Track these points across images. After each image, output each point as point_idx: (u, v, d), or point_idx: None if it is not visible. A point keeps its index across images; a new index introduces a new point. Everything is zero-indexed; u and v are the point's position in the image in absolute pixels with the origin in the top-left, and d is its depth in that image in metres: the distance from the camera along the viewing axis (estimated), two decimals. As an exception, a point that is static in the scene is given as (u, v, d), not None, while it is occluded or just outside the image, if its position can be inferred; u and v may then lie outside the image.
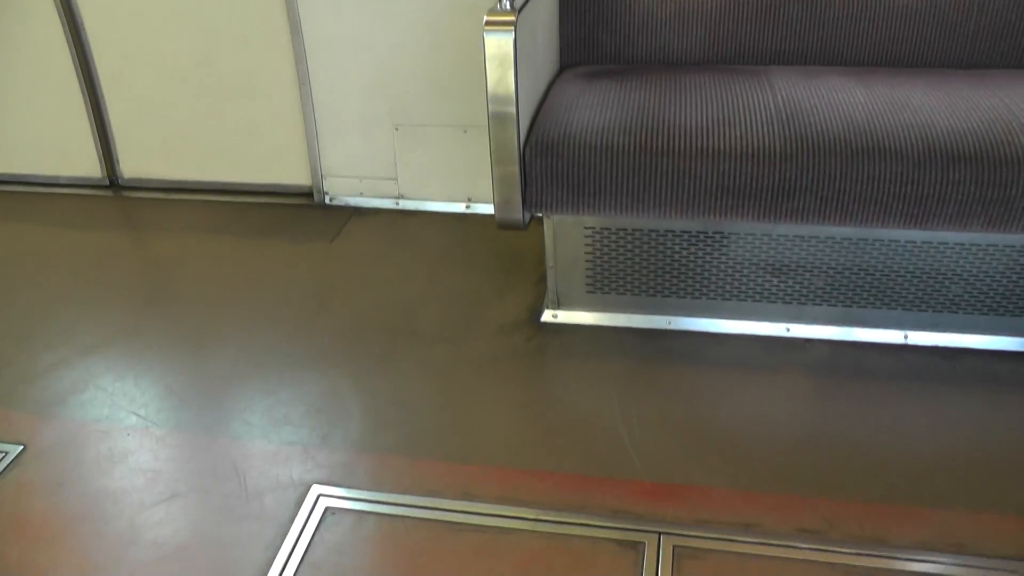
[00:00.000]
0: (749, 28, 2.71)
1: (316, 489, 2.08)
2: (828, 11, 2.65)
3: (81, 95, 3.55)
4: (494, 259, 2.99)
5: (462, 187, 3.30)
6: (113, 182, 3.73)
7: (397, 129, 3.25)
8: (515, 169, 2.27)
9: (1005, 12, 2.58)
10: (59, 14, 3.41)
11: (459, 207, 3.33)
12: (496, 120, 2.22)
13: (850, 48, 2.68)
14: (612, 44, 2.78)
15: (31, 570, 1.91)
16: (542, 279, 2.79)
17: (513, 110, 2.20)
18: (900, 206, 2.18)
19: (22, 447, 2.25)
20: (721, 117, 2.31)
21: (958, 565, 1.83)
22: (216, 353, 2.61)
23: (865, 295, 2.48)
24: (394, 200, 3.38)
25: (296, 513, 2.01)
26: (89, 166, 3.70)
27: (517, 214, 2.33)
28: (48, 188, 3.75)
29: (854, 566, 1.83)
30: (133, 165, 3.68)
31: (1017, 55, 2.62)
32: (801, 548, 1.87)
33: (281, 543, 1.93)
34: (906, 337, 2.50)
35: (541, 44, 2.53)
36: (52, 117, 3.63)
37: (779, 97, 2.40)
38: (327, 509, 2.02)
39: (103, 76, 3.52)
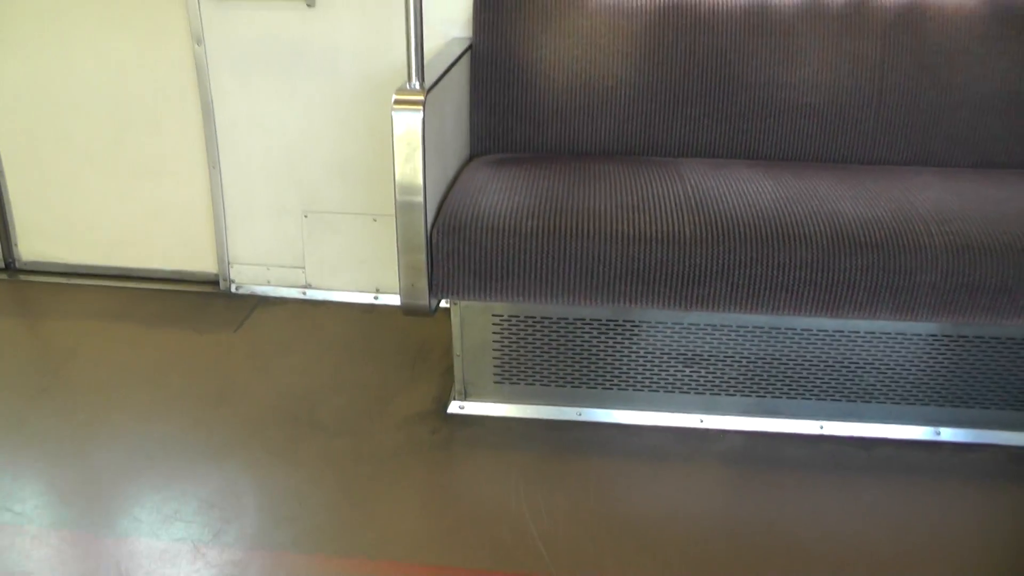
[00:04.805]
0: (657, 121, 2.74)
1: (203, 591, 1.93)
2: (735, 107, 2.70)
3: None
4: (401, 350, 2.91)
5: (371, 277, 3.23)
6: (9, 265, 3.57)
7: (306, 217, 3.18)
8: (421, 251, 2.22)
9: (901, 111, 2.66)
10: None
11: (367, 298, 3.25)
12: (403, 201, 2.17)
13: (757, 143, 2.72)
14: (522, 133, 2.77)
15: None
16: (449, 370, 2.72)
17: (420, 191, 2.15)
18: (811, 293, 2.17)
19: None
20: (630, 203, 2.30)
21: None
22: (106, 447, 2.45)
23: (779, 385, 2.46)
24: (301, 290, 3.29)
25: (180, 618, 1.86)
26: None
27: (423, 300, 2.26)
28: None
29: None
30: (32, 248, 3.53)
31: (914, 152, 2.69)
32: (716, 646, 1.79)
33: (161, 651, 1.78)
34: (822, 427, 2.47)
35: (450, 130, 2.51)
36: None
37: (688, 185, 2.41)
38: (213, 613, 1.88)
39: (4, 154, 3.40)
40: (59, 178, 3.39)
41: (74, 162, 3.35)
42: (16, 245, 3.54)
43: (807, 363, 2.42)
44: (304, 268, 3.26)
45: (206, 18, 3.00)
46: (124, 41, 3.14)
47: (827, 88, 2.68)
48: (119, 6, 3.09)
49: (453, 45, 2.75)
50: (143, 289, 3.38)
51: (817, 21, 2.67)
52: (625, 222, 2.23)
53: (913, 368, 2.40)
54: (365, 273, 3.22)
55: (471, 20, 2.81)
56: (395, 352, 2.90)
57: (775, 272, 2.17)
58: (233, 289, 3.34)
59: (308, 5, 2.91)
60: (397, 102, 2.12)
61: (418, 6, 2.10)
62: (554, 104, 2.75)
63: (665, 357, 2.45)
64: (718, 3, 2.69)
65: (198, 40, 3.03)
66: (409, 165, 2.14)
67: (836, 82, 2.67)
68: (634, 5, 2.71)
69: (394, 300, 3.23)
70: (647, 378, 2.49)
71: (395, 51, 2.92)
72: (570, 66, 2.74)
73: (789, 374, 2.44)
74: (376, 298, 3.24)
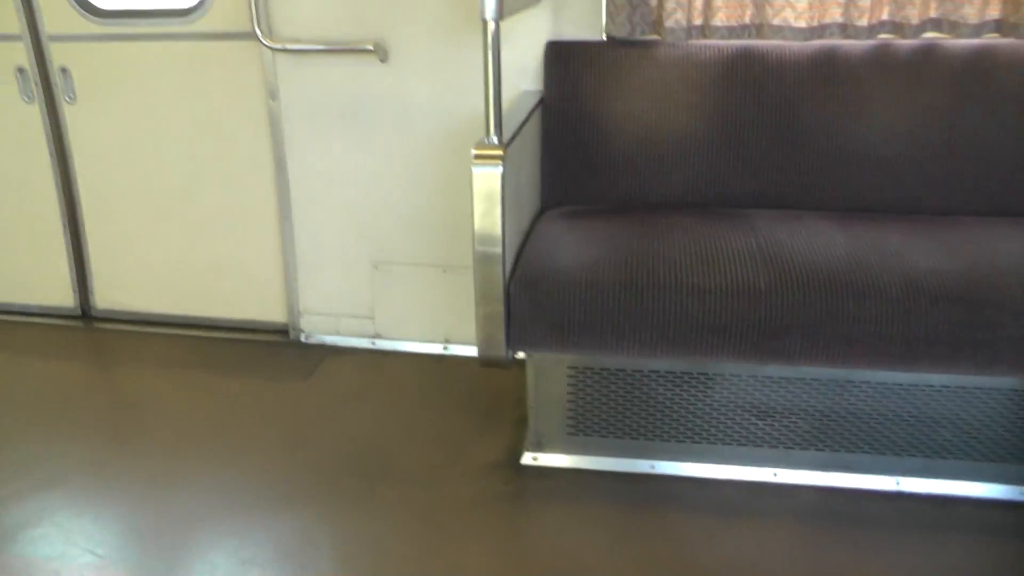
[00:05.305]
0: (728, 173, 2.74)
1: (281, 640, 1.95)
2: (805, 158, 2.70)
3: (61, 224, 3.54)
4: (472, 400, 2.92)
5: (440, 328, 3.25)
6: (85, 312, 3.67)
7: (376, 268, 3.23)
8: (499, 304, 2.24)
9: (973, 161, 2.64)
10: (48, 144, 3.43)
11: (436, 348, 3.27)
12: (481, 255, 2.20)
13: (828, 194, 2.71)
14: (593, 185, 2.79)
15: None
16: (521, 421, 2.72)
17: (499, 245, 2.18)
18: (887, 346, 2.15)
19: None
20: (705, 255, 2.31)
21: None
22: (184, 491, 2.50)
23: (854, 439, 2.42)
24: (370, 339, 3.32)
25: (258, 667, 1.87)
26: (62, 295, 3.65)
27: (500, 352, 2.28)
28: (17, 316, 3.70)
29: None
30: (107, 296, 3.63)
31: (988, 202, 2.65)
32: None
33: None
34: (898, 483, 2.43)
35: (525, 182, 2.54)
36: (29, 244, 3.62)
37: (760, 237, 2.41)
38: (292, 662, 1.89)
39: (86, 206, 3.51)
40: (135, 229, 3.48)
41: (150, 213, 3.44)
42: (93, 293, 3.63)
43: (882, 417, 2.39)
44: (373, 318, 3.30)
45: (281, 74, 3.08)
46: (200, 97, 3.24)
47: (897, 138, 2.66)
48: (197, 64, 3.20)
49: (524, 98, 2.79)
50: (214, 338, 3.45)
51: (885, 70, 2.66)
52: (700, 274, 2.23)
53: (995, 424, 2.35)
54: (434, 323, 3.25)
55: (541, 73, 2.85)
56: (466, 402, 2.91)
57: (851, 325, 2.16)
58: (302, 338, 3.39)
59: (381, 60, 2.97)
60: (477, 157, 2.16)
61: (496, 62, 2.14)
62: (625, 156, 2.77)
63: (738, 410, 2.44)
64: (786, 53, 2.70)
65: (272, 95, 3.11)
66: (488, 219, 2.17)
67: (906, 132, 2.66)
68: (702, 57, 2.73)
69: (464, 350, 3.24)
70: (720, 431, 2.47)
71: (466, 105, 2.97)
72: (640, 118, 2.76)
73: (864, 428, 2.41)
74: (445, 348, 3.26)
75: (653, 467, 2.52)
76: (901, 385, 2.35)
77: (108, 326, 3.60)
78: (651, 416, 2.48)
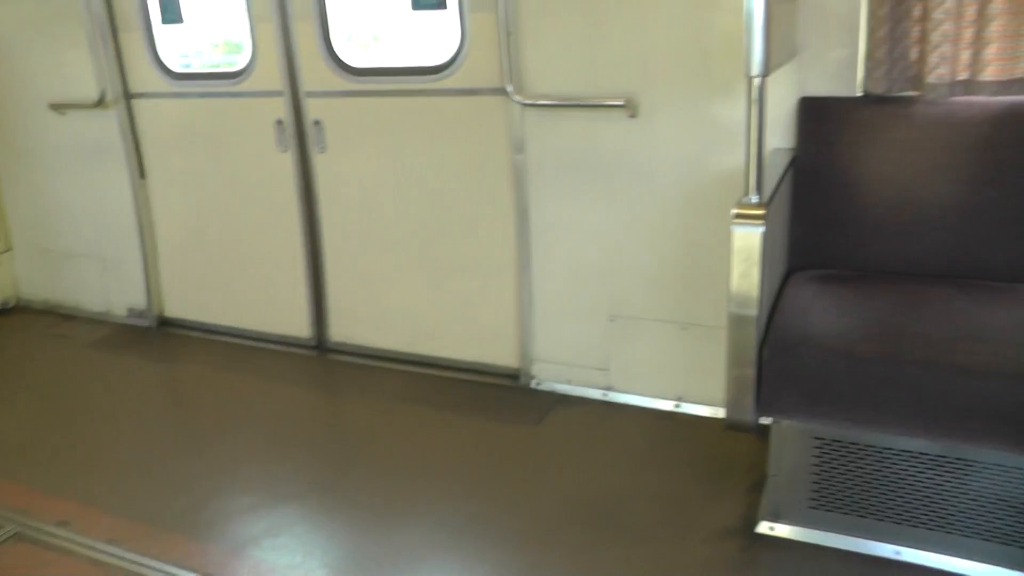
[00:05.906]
0: (989, 243, 2.55)
1: None
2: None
3: (304, 261, 3.76)
4: (703, 461, 2.85)
5: (673, 385, 3.20)
6: (320, 344, 3.86)
7: (612, 320, 3.22)
8: (750, 368, 2.18)
9: None
10: (298, 189, 3.68)
11: (668, 404, 3.21)
12: (736, 317, 2.16)
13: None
14: (843, 248, 2.68)
15: None
16: (755, 487, 2.63)
17: (755, 307, 2.14)
18: None
19: None
20: (969, 332, 2.17)
21: None
22: (410, 520, 2.60)
23: None
24: (602, 391, 3.31)
25: None
26: (300, 326, 3.87)
27: (748, 416, 2.23)
28: (259, 342, 3.96)
29: None
30: (342, 330, 3.82)
31: None
32: None
33: None
34: None
35: (776, 244, 2.48)
36: (274, 278, 3.88)
37: (1032, 316, 2.24)
38: None
39: (328, 246, 3.72)
40: (373, 269, 3.66)
41: (389, 255, 3.61)
42: (329, 326, 3.83)
43: None
44: (607, 370, 3.29)
45: (528, 128, 3.16)
46: (445, 149, 3.38)
47: None
48: (444, 117, 3.35)
49: (775, 156, 2.73)
50: (442, 377, 3.54)
51: None
52: (964, 353, 2.10)
53: None
54: (668, 380, 3.20)
55: (791, 130, 2.77)
56: (697, 463, 2.84)
57: None
58: (533, 384, 3.42)
59: (630, 116, 2.99)
60: (738, 216, 2.13)
61: (760, 119, 2.11)
62: (877, 219, 2.65)
63: (999, 503, 2.24)
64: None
65: (518, 148, 3.18)
66: (746, 280, 2.13)
67: None
68: (966, 114, 2.56)
69: (696, 409, 3.17)
70: (975, 523, 2.28)
71: (714, 161, 2.92)
72: (895, 179, 2.63)
73: None
74: (677, 406, 3.19)
75: (898, 553, 2.36)
76: None
77: (340, 358, 3.79)
78: (900, 498, 2.33)
